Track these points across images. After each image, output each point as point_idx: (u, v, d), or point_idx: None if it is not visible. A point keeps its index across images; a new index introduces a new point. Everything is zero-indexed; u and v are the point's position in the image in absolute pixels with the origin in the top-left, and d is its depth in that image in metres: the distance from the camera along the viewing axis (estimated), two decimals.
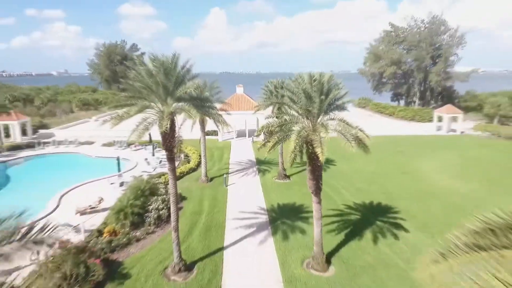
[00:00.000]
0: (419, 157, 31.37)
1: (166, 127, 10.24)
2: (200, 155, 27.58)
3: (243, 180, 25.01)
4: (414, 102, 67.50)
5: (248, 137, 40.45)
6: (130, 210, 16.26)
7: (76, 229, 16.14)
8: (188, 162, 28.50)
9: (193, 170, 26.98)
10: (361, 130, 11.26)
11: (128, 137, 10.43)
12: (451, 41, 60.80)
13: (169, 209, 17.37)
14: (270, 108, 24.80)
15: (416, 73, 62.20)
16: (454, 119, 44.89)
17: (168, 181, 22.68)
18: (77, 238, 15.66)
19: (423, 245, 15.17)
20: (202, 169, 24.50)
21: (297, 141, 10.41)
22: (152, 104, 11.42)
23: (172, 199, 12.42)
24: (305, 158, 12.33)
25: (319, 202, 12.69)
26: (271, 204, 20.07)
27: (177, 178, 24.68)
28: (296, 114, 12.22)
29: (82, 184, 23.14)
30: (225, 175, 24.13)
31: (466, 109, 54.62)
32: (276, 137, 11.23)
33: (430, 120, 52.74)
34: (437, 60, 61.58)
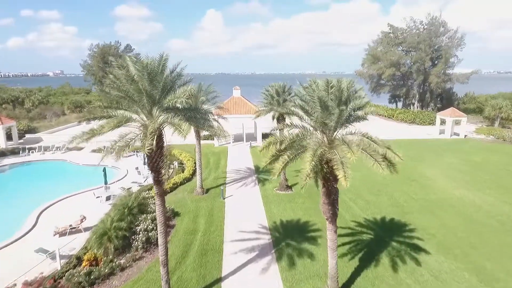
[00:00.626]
0: (425, 163, 29.78)
1: (151, 147, 8.29)
2: (195, 162, 25.59)
3: (241, 191, 23.07)
4: (413, 104, 66.32)
5: (246, 141, 38.53)
6: (114, 233, 14.20)
7: (52, 256, 14.04)
8: (183, 171, 26.47)
9: (187, 180, 24.95)
10: (389, 148, 9.41)
11: (102, 158, 8.47)
12: (450, 42, 59.71)
13: None
14: (271, 113, 22.99)
15: (416, 75, 60.92)
16: (457, 122, 43.52)
17: None
18: (52, 267, 13.61)
19: (448, 271, 13.41)
20: (197, 180, 22.51)
21: (313, 162, 8.52)
22: (135, 115, 9.44)
23: (160, 229, 10.41)
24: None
25: (336, 231, 10.82)
26: (273, 221, 18.16)
27: (170, 189, 23.05)
28: (308, 126, 10.33)
29: (65, 198, 20.98)
30: (222, 187, 22.17)
31: (465, 112, 53.60)
32: (286, 156, 9.33)
33: (431, 123, 51.48)
34: (436, 62, 60.48)
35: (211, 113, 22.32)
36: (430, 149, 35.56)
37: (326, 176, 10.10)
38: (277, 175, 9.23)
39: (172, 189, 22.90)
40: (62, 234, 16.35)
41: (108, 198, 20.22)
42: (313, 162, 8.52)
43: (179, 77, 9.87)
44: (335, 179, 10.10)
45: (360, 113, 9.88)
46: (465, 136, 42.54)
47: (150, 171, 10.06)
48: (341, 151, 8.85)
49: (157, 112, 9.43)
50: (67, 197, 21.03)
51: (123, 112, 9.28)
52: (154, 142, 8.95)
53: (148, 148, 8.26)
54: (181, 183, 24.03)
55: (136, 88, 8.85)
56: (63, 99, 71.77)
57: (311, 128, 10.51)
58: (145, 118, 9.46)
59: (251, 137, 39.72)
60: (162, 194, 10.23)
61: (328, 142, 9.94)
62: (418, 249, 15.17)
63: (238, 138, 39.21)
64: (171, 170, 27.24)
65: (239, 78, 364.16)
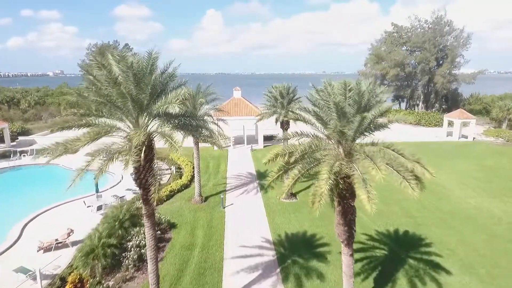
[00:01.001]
0: (435, 168, 27.81)
1: (137, 164, 6.91)
2: (194, 167, 24.18)
3: (242, 199, 21.67)
4: (417, 105, 64.92)
5: (247, 144, 37.13)
6: (102, 251, 12.81)
7: (33, 276, 12.64)
8: (180, 177, 25.07)
9: (185, 186, 23.54)
10: (418, 162, 8.03)
11: (77, 176, 7.12)
12: (456, 42, 58.34)
13: None
14: (273, 116, 21.64)
15: (420, 75, 59.53)
16: (465, 124, 42.11)
17: (158, 202, 19.39)
18: None
19: None
20: (196, 187, 21.12)
21: (330, 180, 7.14)
22: (121, 123, 8.04)
23: (149, 254, 9.02)
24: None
25: (352, 254, 9.44)
26: (277, 234, 16.76)
27: (167, 197, 21.64)
28: (321, 135, 8.93)
29: (53, 207, 19.59)
30: (222, 195, 20.78)
31: (471, 113, 52.23)
32: (297, 171, 7.95)
33: (437, 124, 50.11)
34: (441, 62, 59.15)
35: (211, 115, 21.01)
36: (438, 153, 34.15)
37: (342, 193, 8.72)
38: (286, 193, 7.84)
39: (169, 197, 21.51)
40: (47, 249, 14.95)
41: (99, 208, 18.83)
42: (330, 181, 7.14)
43: (171, 78, 8.47)
44: (352, 197, 8.74)
45: (382, 120, 8.48)
46: (474, 138, 41.14)
47: (137, 188, 8.67)
48: (363, 167, 7.47)
49: (146, 119, 8.03)
50: (56, 206, 19.64)
51: (105, 120, 7.89)
52: (142, 155, 7.56)
53: (133, 164, 6.89)
54: (179, 190, 22.62)
55: (119, 92, 7.45)
56: (60, 100, 70.27)
57: (324, 137, 9.13)
58: (132, 127, 8.04)
59: (252, 140, 38.36)
60: (152, 215, 8.83)
61: (345, 154, 8.54)
62: (438, 267, 13.76)
63: (238, 141, 37.82)
64: (168, 176, 25.93)
65: (239, 78, 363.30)
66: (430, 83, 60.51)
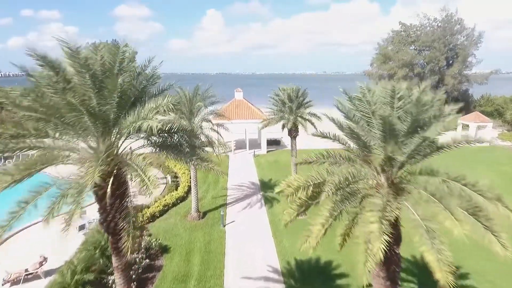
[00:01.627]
0: None
1: (102, 199, 4.59)
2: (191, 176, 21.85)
3: (245, 214, 19.35)
4: None
5: (249, 149, 34.78)
6: None
7: None
8: (176, 188, 22.75)
9: (181, 199, 21.22)
10: (499, 201, 5.71)
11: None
12: (467, 41, 55.92)
13: (141, 279, 11.80)
14: (280, 123, 19.32)
15: (429, 75, 57.11)
16: (480, 127, 39.74)
17: (150, 218, 16.83)
18: None
19: None
20: (193, 202, 18.80)
21: (385, 234, 4.81)
22: (73, 146, 5.72)
23: None
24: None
25: None
26: (286, 260, 14.44)
27: (160, 213, 19.27)
28: (352, 157, 6.60)
29: (30, 225, 17.24)
30: (222, 212, 18.46)
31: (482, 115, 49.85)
32: (327, 213, 5.63)
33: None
34: (451, 62, 56.77)
35: (210, 121, 18.71)
36: (454, 158, 31.62)
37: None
38: (314, 248, 5.54)
39: (163, 212, 19.17)
40: (14, 282, 12.66)
41: (82, 227, 16.52)
42: (385, 235, 4.80)
43: (152, 81, 6.13)
44: (398, 242, 6.42)
45: (444, 140, 6.15)
46: (490, 143, 38.74)
47: (105, 232, 6.34)
48: (423, 211, 5.14)
49: (115, 138, 5.71)
50: (33, 224, 17.29)
51: (54, 141, 5.57)
52: (109, 189, 5.25)
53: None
54: (174, 204, 20.28)
55: (68, 102, 5.11)
56: None
57: (355, 159, 6.81)
58: (93, 148, 5.71)
59: (254, 144, 36.03)
60: (126, 269, 6.50)
61: (389, 185, 6.21)
62: None
63: (240, 145, 35.48)
64: (163, 186, 23.62)
65: (239, 78, 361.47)
66: (440, 84, 58.07)
